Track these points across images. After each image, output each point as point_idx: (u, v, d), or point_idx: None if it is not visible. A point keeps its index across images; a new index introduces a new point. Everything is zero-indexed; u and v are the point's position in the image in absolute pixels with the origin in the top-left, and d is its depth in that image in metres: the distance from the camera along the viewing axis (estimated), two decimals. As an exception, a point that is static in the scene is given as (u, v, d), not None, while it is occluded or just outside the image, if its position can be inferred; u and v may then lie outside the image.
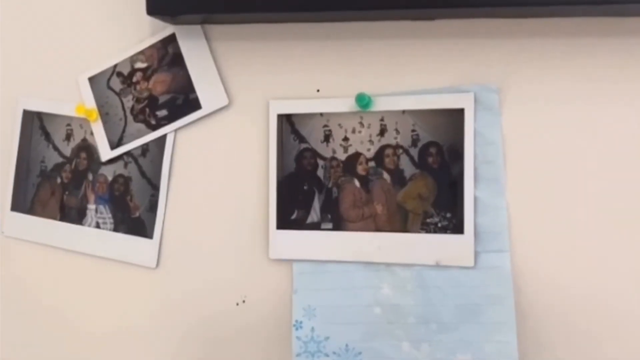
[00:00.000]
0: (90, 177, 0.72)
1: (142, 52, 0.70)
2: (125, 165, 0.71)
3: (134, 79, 0.70)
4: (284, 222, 0.64)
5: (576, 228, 0.58)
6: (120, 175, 0.71)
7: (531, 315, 0.59)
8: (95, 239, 0.71)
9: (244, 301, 0.66)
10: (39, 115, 0.73)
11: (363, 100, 0.60)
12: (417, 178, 0.61)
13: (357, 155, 0.63)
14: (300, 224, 0.64)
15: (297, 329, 0.63)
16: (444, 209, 0.61)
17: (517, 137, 0.60)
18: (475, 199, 0.60)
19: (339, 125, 0.63)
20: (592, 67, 0.58)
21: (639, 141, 0.57)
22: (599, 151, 0.58)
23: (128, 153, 0.70)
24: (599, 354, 0.58)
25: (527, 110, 0.59)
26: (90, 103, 0.72)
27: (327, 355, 0.62)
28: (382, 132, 0.63)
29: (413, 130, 0.62)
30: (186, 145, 0.68)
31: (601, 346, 0.58)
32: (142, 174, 0.70)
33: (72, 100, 0.72)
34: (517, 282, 0.59)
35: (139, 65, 0.70)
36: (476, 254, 0.60)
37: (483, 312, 0.59)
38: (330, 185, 0.64)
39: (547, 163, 0.59)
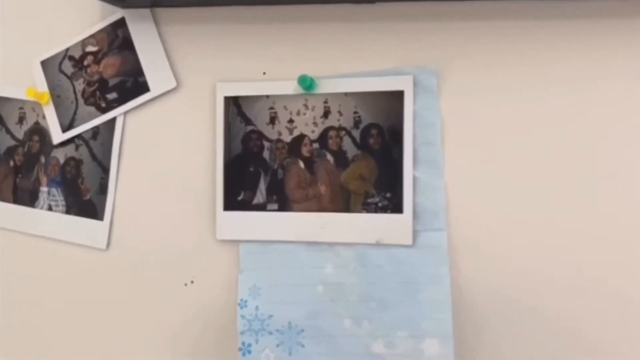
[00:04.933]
0: (42, 160, 0.72)
1: (92, 36, 0.70)
2: (77, 148, 0.71)
3: (85, 63, 0.71)
4: (230, 204, 0.65)
5: (512, 208, 0.60)
6: (72, 158, 0.71)
7: (467, 293, 0.60)
8: (48, 222, 0.72)
9: (192, 282, 0.67)
10: (-9, 99, 0.74)
11: (305, 82, 0.61)
12: (359, 159, 0.63)
13: (301, 137, 0.64)
14: (246, 205, 0.65)
15: (241, 307, 0.64)
16: (384, 189, 0.62)
17: (455, 119, 0.61)
18: (415, 179, 0.61)
19: (285, 107, 0.65)
20: (530, 50, 0.60)
21: (576, 124, 0.59)
22: (535, 133, 0.60)
23: (79, 136, 0.71)
24: (533, 330, 0.59)
25: (465, 93, 0.61)
26: (42, 86, 0.72)
27: (270, 333, 0.63)
28: (326, 114, 0.64)
29: (355, 112, 0.63)
30: (136, 128, 0.69)
31: (535, 322, 0.59)
32: (93, 156, 0.70)
33: (25, 83, 0.72)
34: (454, 260, 0.60)
35: (90, 49, 0.71)
36: (415, 233, 0.61)
37: (421, 289, 0.60)
38: (275, 167, 0.64)
39: (485, 144, 0.60)
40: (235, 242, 0.65)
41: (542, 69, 0.59)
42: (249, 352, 0.63)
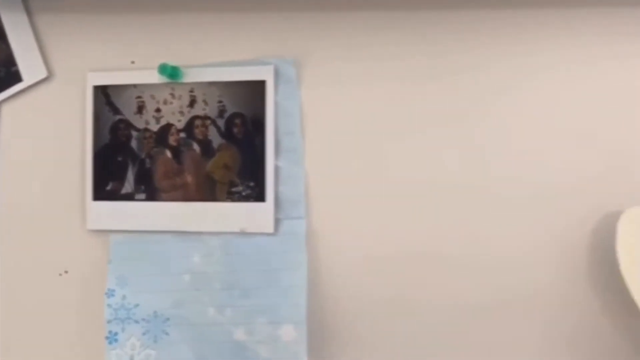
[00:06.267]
0: None
1: (-35, 25, 0.70)
2: (-48, 138, 0.70)
3: (-41, 52, 0.70)
4: (99, 194, 0.65)
5: (370, 196, 0.61)
6: (-52, 149, 0.71)
7: (326, 279, 0.61)
8: None
9: (66, 272, 0.67)
10: None
11: (165, 71, 0.62)
12: (224, 148, 0.63)
13: (168, 126, 0.64)
14: (115, 195, 0.65)
15: (109, 297, 0.64)
16: (247, 178, 0.62)
17: (315, 109, 0.62)
18: (277, 168, 0.62)
19: (152, 96, 0.64)
20: (388, 40, 0.61)
21: (432, 111, 0.60)
22: (393, 122, 0.61)
23: (-45, 126, 0.70)
24: (389, 315, 0.60)
25: (324, 83, 0.61)
26: None
27: (136, 321, 0.63)
28: (192, 103, 0.64)
29: (220, 102, 0.63)
30: (11, 118, 0.68)
31: (391, 308, 0.60)
32: (-32, 146, 0.70)
33: None
34: (313, 247, 0.61)
35: (-37, 37, 0.70)
36: (277, 221, 0.62)
37: (281, 276, 0.61)
38: (143, 156, 0.64)
39: (344, 133, 0.61)
40: (106, 232, 0.65)
41: (401, 59, 0.61)
42: (116, 340, 0.63)
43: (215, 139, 0.63)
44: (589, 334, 0.57)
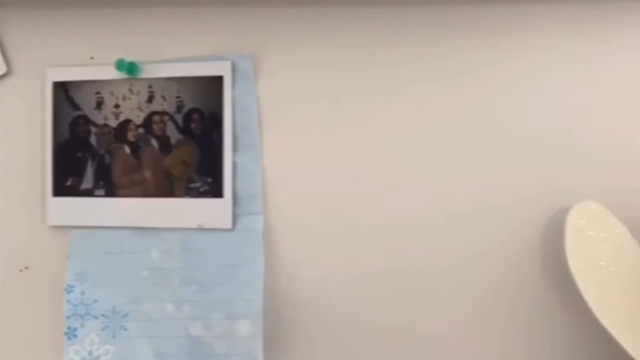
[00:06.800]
0: None
1: None
2: None
3: None
4: (59, 190, 0.65)
5: (328, 193, 0.61)
6: None
7: (282, 275, 0.61)
8: None
9: (26, 267, 0.67)
10: None
11: (122, 67, 0.61)
12: (182, 144, 0.63)
13: (127, 122, 0.64)
14: (74, 191, 0.65)
15: (68, 292, 0.64)
16: (205, 174, 0.62)
17: (273, 104, 0.62)
18: (234, 164, 0.62)
19: (111, 92, 0.64)
20: (344, 34, 0.61)
21: (389, 106, 0.60)
22: (351, 118, 0.61)
23: None
24: (348, 309, 0.60)
25: (282, 78, 0.61)
26: None
27: (95, 317, 0.63)
28: (150, 98, 0.64)
29: (178, 97, 0.63)
30: (-29, 114, 0.69)
31: (351, 303, 0.60)
32: None
33: None
34: (270, 243, 0.61)
35: None
36: (235, 217, 0.62)
37: (238, 272, 0.61)
38: (102, 152, 0.64)
39: (302, 129, 0.61)
40: (66, 228, 0.65)
41: (360, 54, 0.61)
42: (75, 336, 0.63)
43: (173, 135, 0.63)
44: (543, 330, 0.57)
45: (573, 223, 0.51)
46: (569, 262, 0.51)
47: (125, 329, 0.63)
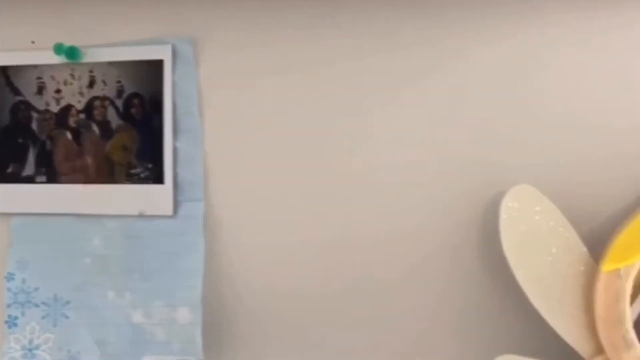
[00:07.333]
0: None
1: None
2: None
3: None
4: (0, 176, 0.64)
5: (270, 179, 0.60)
6: None
7: (224, 262, 0.61)
8: None
9: (-30, 256, 0.67)
10: None
11: (61, 50, 0.60)
12: (122, 129, 0.62)
13: (68, 107, 0.63)
14: (16, 178, 0.64)
15: (8, 280, 0.63)
16: (146, 160, 0.61)
17: (214, 89, 0.61)
18: (175, 149, 0.61)
19: (52, 77, 0.63)
20: (285, 20, 0.59)
21: (335, 96, 0.59)
22: (293, 102, 0.60)
23: None
24: (289, 296, 0.60)
25: (223, 62, 0.60)
26: None
27: (37, 305, 0.62)
28: (91, 83, 0.63)
29: (118, 82, 0.62)
30: None
31: (291, 288, 0.60)
32: None
33: None
34: (212, 230, 0.61)
35: None
36: (177, 204, 0.61)
37: (179, 259, 0.60)
38: (44, 138, 0.63)
39: (243, 114, 0.60)
40: (7, 215, 0.64)
41: (301, 38, 0.60)
42: (15, 324, 0.62)
43: (114, 120, 0.62)
44: (475, 311, 0.57)
45: (507, 206, 0.51)
46: (503, 245, 0.50)
47: (67, 317, 0.62)
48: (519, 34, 0.57)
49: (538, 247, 0.51)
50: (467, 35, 0.57)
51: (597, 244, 0.53)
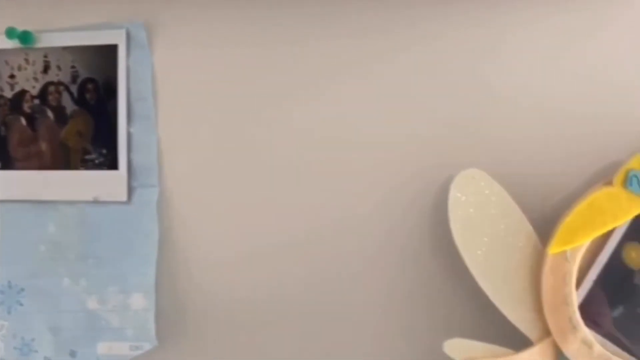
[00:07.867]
0: None
1: None
2: None
3: None
4: (-45, 162, 0.64)
5: (225, 164, 0.60)
6: None
7: (178, 248, 0.60)
8: None
9: None
10: None
11: (13, 34, 0.60)
12: (77, 115, 0.61)
13: (23, 92, 0.62)
14: (-30, 164, 0.64)
15: (-38, 268, 0.63)
16: (100, 146, 0.61)
17: (168, 74, 0.60)
18: (129, 135, 0.60)
19: (6, 62, 0.63)
20: (241, 4, 0.59)
21: (292, 76, 0.59)
22: (248, 87, 0.59)
23: None
24: (242, 284, 0.60)
25: (177, 47, 0.60)
26: None
27: (-9, 292, 0.63)
28: (46, 69, 0.62)
29: (72, 67, 0.61)
30: None
31: (246, 276, 0.59)
32: None
33: None
34: (166, 216, 0.60)
35: None
36: (131, 190, 0.60)
37: (133, 246, 0.60)
38: (-2, 124, 0.63)
39: (198, 99, 0.60)
40: (-38, 202, 0.64)
41: (255, 21, 0.59)
42: (-31, 313, 0.63)
43: (69, 106, 0.61)
44: (425, 294, 0.57)
45: (456, 190, 0.51)
46: (451, 228, 0.50)
47: (21, 304, 0.62)
48: (475, 15, 0.56)
49: (486, 230, 0.51)
50: (422, 17, 0.57)
51: (548, 229, 0.53)
